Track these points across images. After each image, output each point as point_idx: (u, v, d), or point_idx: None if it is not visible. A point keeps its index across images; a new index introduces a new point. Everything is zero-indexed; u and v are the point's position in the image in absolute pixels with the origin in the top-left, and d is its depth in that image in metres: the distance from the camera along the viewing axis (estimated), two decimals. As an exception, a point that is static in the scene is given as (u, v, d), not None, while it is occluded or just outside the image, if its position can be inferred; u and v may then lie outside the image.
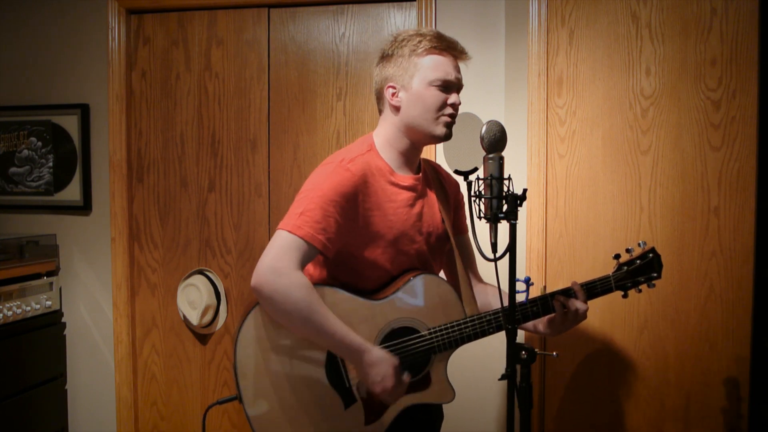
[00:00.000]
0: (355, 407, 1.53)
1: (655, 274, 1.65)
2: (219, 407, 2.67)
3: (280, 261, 1.41)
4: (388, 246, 1.55)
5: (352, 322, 1.51)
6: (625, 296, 1.67)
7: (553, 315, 1.64)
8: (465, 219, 1.80)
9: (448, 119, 1.56)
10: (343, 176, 1.49)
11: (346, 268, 1.56)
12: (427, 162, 1.74)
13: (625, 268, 1.65)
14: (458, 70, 1.59)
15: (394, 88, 1.57)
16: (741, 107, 2.07)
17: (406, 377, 1.51)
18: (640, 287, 1.66)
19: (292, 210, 1.47)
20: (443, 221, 1.67)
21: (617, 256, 1.67)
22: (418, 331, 1.56)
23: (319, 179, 1.50)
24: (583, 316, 1.62)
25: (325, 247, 1.46)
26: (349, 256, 1.53)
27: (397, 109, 1.58)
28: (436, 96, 1.54)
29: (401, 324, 1.56)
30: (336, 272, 1.57)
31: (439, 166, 1.81)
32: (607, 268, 1.73)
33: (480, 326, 1.58)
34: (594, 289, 1.65)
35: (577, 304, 1.60)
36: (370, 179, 1.53)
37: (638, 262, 1.65)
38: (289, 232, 1.43)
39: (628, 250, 1.67)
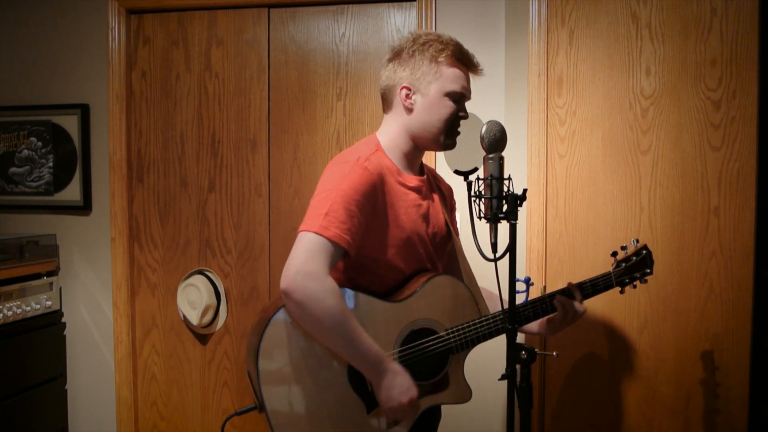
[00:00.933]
0: (377, 412, 1.52)
1: (648, 270, 1.73)
2: (220, 411, 2.68)
3: (311, 264, 1.37)
4: (401, 246, 1.55)
5: (373, 324, 1.50)
6: (622, 292, 1.74)
7: (552, 315, 1.67)
8: (456, 223, 1.84)
9: (455, 132, 1.59)
10: (362, 175, 1.47)
11: (361, 269, 1.55)
12: (425, 165, 1.76)
13: (624, 264, 1.72)
14: (470, 84, 1.61)
15: (409, 89, 1.57)
16: (741, 107, 2.07)
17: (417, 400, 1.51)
18: (634, 283, 1.73)
19: (314, 211, 1.43)
20: (446, 223, 1.68)
21: (614, 254, 1.74)
22: (437, 332, 1.56)
23: (337, 179, 1.46)
24: (581, 315, 1.67)
25: (351, 247, 1.43)
26: (365, 256, 1.52)
27: (409, 110, 1.58)
28: (449, 108, 1.56)
29: (420, 326, 1.56)
30: (351, 274, 1.56)
31: (434, 170, 1.83)
32: (608, 267, 1.75)
33: (494, 325, 1.59)
34: (597, 285, 1.70)
35: (576, 304, 1.65)
36: (384, 179, 1.52)
37: (634, 258, 1.72)
38: (317, 233, 1.39)
39: (623, 248, 1.74)
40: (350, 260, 1.52)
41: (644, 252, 1.72)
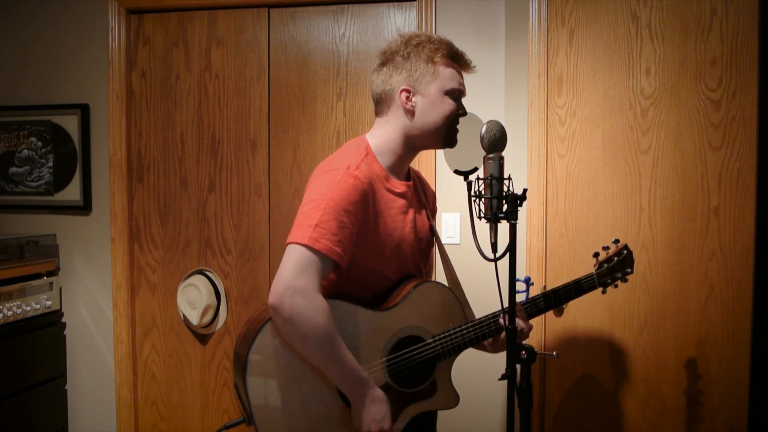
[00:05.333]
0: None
1: (629, 270, 1.73)
2: (220, 411, 2.68)
3: (300, 280, 1.34)
4: (390, 253, 1.54)
5: (360, 333, 1.48)
6: (603, 292, 1.74)
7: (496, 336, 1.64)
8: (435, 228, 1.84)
9: (456, 129, 1.59)
10: (353, 184, 1.44)
11: (348, 277, 1.53)
12: (412, 170, 1.74)
13: (605, 265, 1.72)
14: (464, 80, 1.62)
15: (408, 92, 1.55)
16: (741, 107, 2.07)
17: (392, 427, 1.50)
18: (616, 283, 1.73)
19: (304, 221, 1.40)
20: (431, 228, 1.69)
21: (596, 254, 1.74)
22: (424, 340, 1.56)
23: (327, 188, 1.43)
24: (526, 335, 1.61)
25: (342, 259, 1.41)
26: (354, 265, 1.50)
27: (410, 112, 1.56)
28: (450, 106, 1.56)
29: (407, 333, 1.55)
30: (338, 281, 1.54)
31: (419, 173, 1.81)
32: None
33: (480, 330, 1.59)
34: (581, 287, 1.71)
35: (520, 323, 1.59)
36: (374, 186, 1.50)
37: (615, 259, 1.73)
38: (307, 246, 1.36)
39: (605, 248, 1.75)
40: (340, 269, 1.50)
41: (625, 252, 1.73)
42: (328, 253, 1.37)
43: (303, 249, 1.36)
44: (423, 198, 1.72)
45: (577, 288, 1.70)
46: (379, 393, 1.46)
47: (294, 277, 1.34)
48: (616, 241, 1.75)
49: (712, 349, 2.12)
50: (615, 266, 1.72)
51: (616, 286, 1.74)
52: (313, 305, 1.35)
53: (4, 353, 2.43)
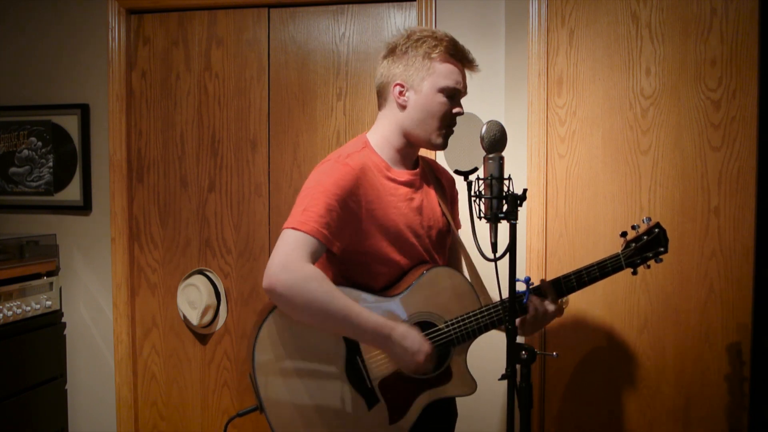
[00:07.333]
0: (379, 407, 1.52)
1: (662, 249, 1.65)
2: (220, 411, 2.68)
3: (288, 258, 1.39)
4: (393, 240, 1.55)
5: None
6: (634, 273, 1.67)
7: (524, 316, 1.61)
8: (458, 214, 1.82)
9: (449, 131, 1.58)
10: (342, 171, 1.48)
11: (356, 266, 1.55)
12: (423, 158, 1.75)
13: (633, 245, 1.65)
14: (465, 80, 1.61)
15: (402, 86, 1.56)
16: (741, 107, 2.07)
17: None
18: (648, 263, 1.66)
19: (295, 209, 1.46)
20: (444, 215, 1.67)
21: (624, 234, 1.67)
22: (436, 325, 1.56)
23: (319, 176, 1.49)
24: (551, 317, 1.60)
25: (330, 242, 1.44)
26: (357, 253, 1.53)
27: (402, 107, 1.57)
28: (443, 104, 1.55)
29: (418, 319, 1.55)
30: (346, 272, 1.56)
31: (434, 161, 1.82)
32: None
33: (496, 315, 1.57)
34: (605, 268, 1.63)
35: (546, 304, 1.58)
36: (369, 174, 1.53)
37: (645, 238, 1.64)
38: (294, 229, 1.42)
39: (633, 227, 1.67)
40: (343, 257, 1.52)
41: (656, 231, 1.64)
42: (315, 234, 1.41)
43: (291, 232, 1.42)
44: (435, 184, 1.70)
45: (601, 269, 1.63)
46: (401, 329, 1.46)
47: (283, 256, 1.40)
48: (648, 219, 1.66)
49: (712, 349, 2.12)
50: (644, 245, 1.63)
51: (648, 267, 1.66)
52: (302, 274, 1.38)
53: (4, 353, 2.43)
